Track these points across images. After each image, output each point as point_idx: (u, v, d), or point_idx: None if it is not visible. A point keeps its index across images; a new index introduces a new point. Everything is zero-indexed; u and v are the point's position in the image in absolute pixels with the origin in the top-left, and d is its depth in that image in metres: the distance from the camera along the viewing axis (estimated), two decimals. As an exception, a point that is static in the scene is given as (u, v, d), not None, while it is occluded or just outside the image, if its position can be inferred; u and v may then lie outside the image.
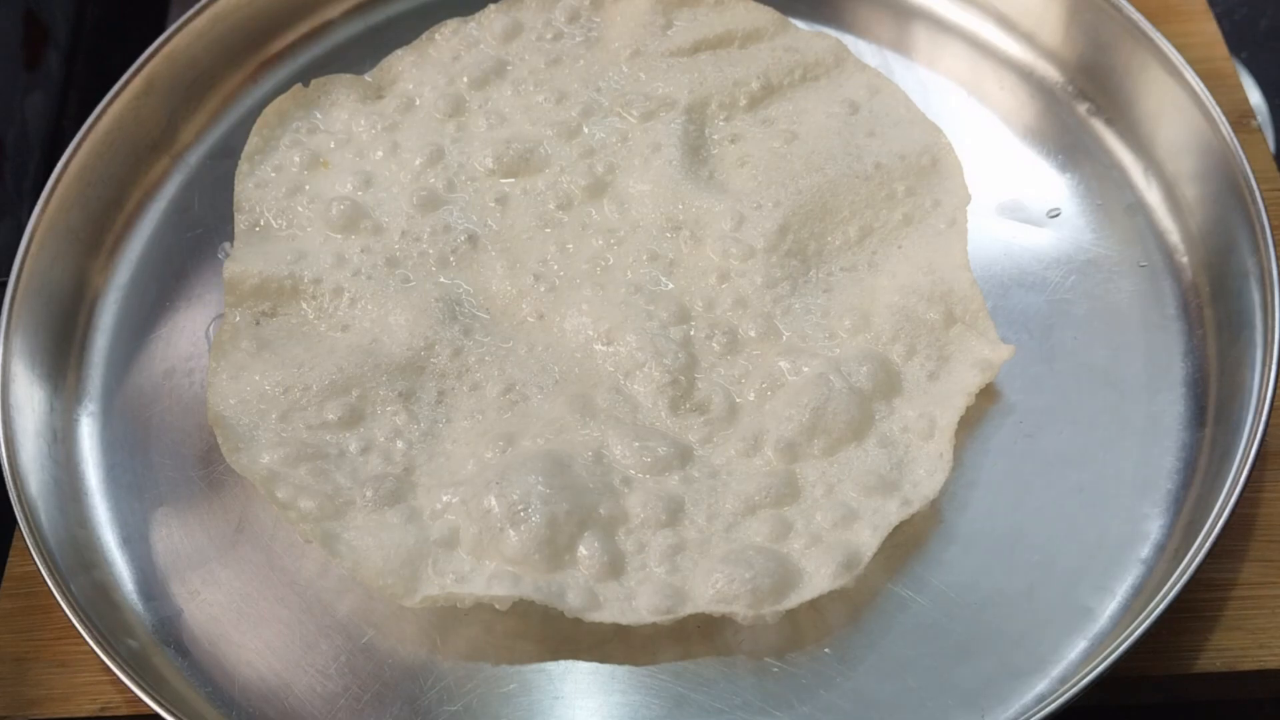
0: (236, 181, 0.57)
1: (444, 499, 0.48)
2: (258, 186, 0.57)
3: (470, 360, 0.52)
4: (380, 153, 0.58)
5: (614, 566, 0.46)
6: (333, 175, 0.57)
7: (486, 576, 0.46)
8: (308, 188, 0.57)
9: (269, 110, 0.59)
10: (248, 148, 0.58)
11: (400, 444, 0.50)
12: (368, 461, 0.49)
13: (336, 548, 0.47)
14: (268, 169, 0.58)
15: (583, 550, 0.47)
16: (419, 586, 0.46)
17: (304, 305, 0.53)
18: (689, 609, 0.46)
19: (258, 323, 0.53)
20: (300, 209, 0.56)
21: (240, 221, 0.56)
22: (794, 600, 0.46)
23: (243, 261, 0.55)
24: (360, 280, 0.54)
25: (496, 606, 0.46)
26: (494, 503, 0.47)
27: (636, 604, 0.46)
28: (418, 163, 0.57)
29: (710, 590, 0.46)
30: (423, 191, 0.56)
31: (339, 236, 0.55)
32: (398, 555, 0.47)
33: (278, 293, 0.54)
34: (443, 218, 0.56)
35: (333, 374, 0.51)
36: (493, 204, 0.56)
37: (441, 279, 0.54)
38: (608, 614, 0.46)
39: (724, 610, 0.46)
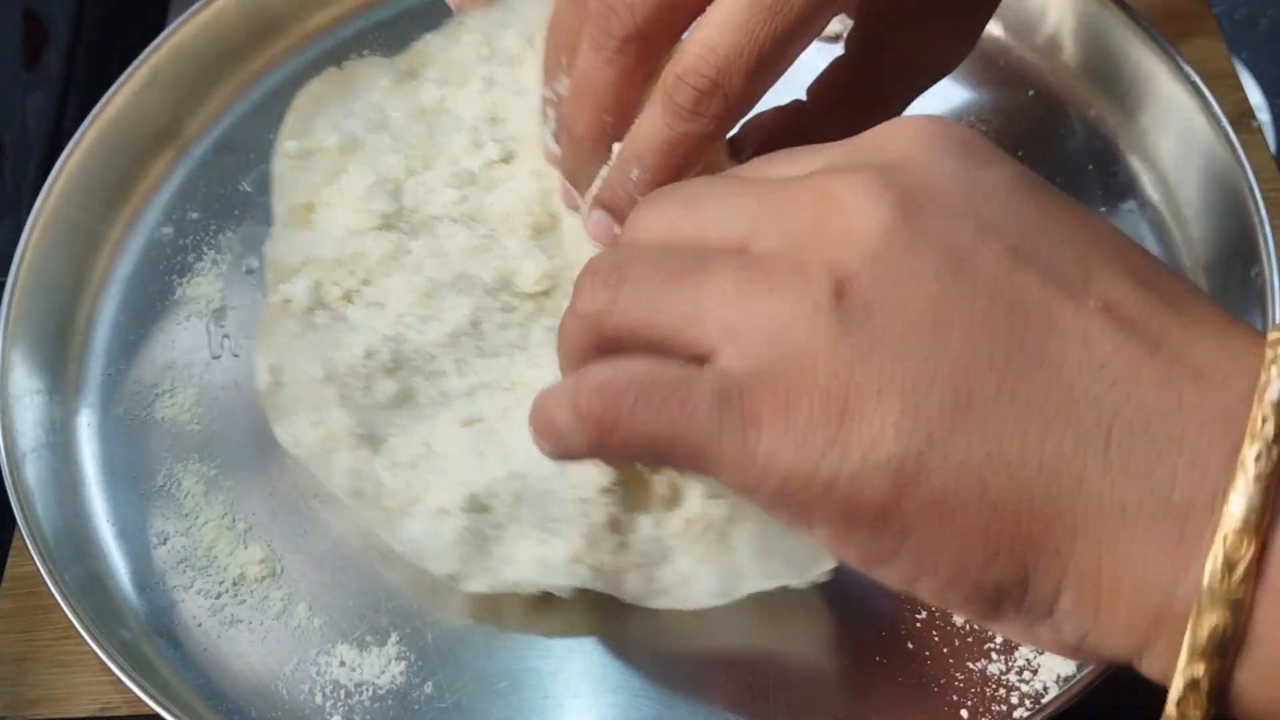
0: (274, 164, 0.57)
1: (502, 481, 0.47)
2: (294, 170, 0.56)
3: (512, 336, 0.51)
4: (415, 135, 0.57)
5: (671, 549, 0.46)
6: (369, 158, 0.56)
7: (544, 564, 0.46)
8: (345, 170, 0.56)
9: (304, 93, 0.59)
10: (285, 130, 0.57)
11: (454, 423, 0.49)
12: (419, 443, 0.49)
13: (396, 533, 0.47)
14: (304, 152, 0.57)
15: (638, 534, 0.46)
16: (476, 572, 0.46)
17: (346, 286, 0.52)
18: (745, 589, 0.45)
19: (301, 303, 0.52)
20: (338, 191, 0.55)
21: (278, 205, 0.55)
22: (830, 562, 0.44)
23: (284, 241, 0.54)
24: (401, 260, 0.53)
25: (557, 594, 0.46)
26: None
27: (694, 589, 0.45)
28: (454, 145, 0.56)
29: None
30: (460, 174, 0.55)
31: (378, 219, 0.54)
32: (456, 541, 0.46)
33: (320, 274, 0.53)
34: (482, 199, 0.55)
35: (380, 354, 0.50)
36: (531, 185, 0.55)
37: (483, 257, 0.53)
38: (667, 600, 0.45)
39: (777, 584, 0.44)
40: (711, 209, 0.36)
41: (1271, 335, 0.31)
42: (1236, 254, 0.52)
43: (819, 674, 0.46)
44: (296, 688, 0.46)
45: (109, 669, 0.45)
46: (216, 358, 0.55)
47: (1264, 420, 0.30)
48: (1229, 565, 0.29)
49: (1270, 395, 0.30)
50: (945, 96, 0.59)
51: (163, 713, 0.44)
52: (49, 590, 0.47)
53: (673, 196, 0.38)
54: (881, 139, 0.36)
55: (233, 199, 0.59)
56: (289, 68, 0.63)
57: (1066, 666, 0.44)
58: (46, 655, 0.49)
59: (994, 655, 0.45)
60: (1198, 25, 0.62)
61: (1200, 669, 0.30)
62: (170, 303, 0.57)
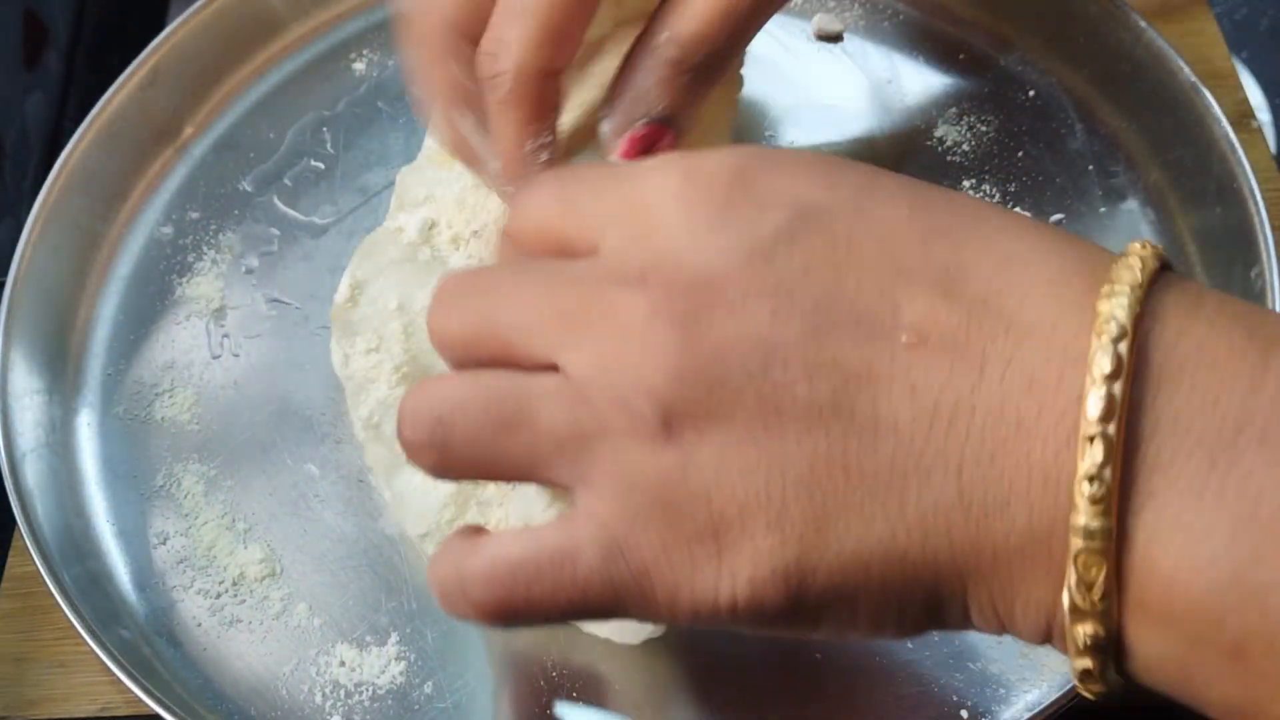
0: None
1: None
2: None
3: None
4: (587, 117, 0.52)
5: None
6: None
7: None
8: None
9: None
10: None
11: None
12: None
13: (391, 479, 0.47)
14: None
15: None
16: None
17: (457, 231, 0.51)
18: None
19: (409, 235, 0.52)
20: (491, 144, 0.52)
21: (430, 139, 0.54)
22: None
23: (417, 173, 0.53)
24: None
25: None
26: None
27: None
28: None
29: None
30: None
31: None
32: (440, 505, 0.46)
33: (437, 212, 0.52)
34: None
35: None
36: None
37: None
38: (608, 630, 0.45)
39: None
40: (508, 316, 0.35)
41: (1098, 322, 0.29)
42: (1237, 254, 0.52)
43: (819, 675, 0.46)
44: (296, 687, 0.46)
45: (109, 669, 0.45)
46: (216, 357, 0.55)
47: (1090, 440, 0.29)
48: (1086, 585, 0.29)
49: (1091, 411, 0.29)
50: (946, 95, 0.59)
51: (163, 713, 0.44)
52: (49, 590, 0.47)
53: (467, 292, 0.36)
54: (645, 218, 0.34)
55: (233, 199, 0.59)
56: (289, 67, 0.63)
57: (1067, 667, 0.44)
58: (46, 655, 0.49)
59: (994, 655, 0.45)
60: (1198, 25, 0.62)
61: (1087, 662, 0.30)
62: (170, 302, 0.56)
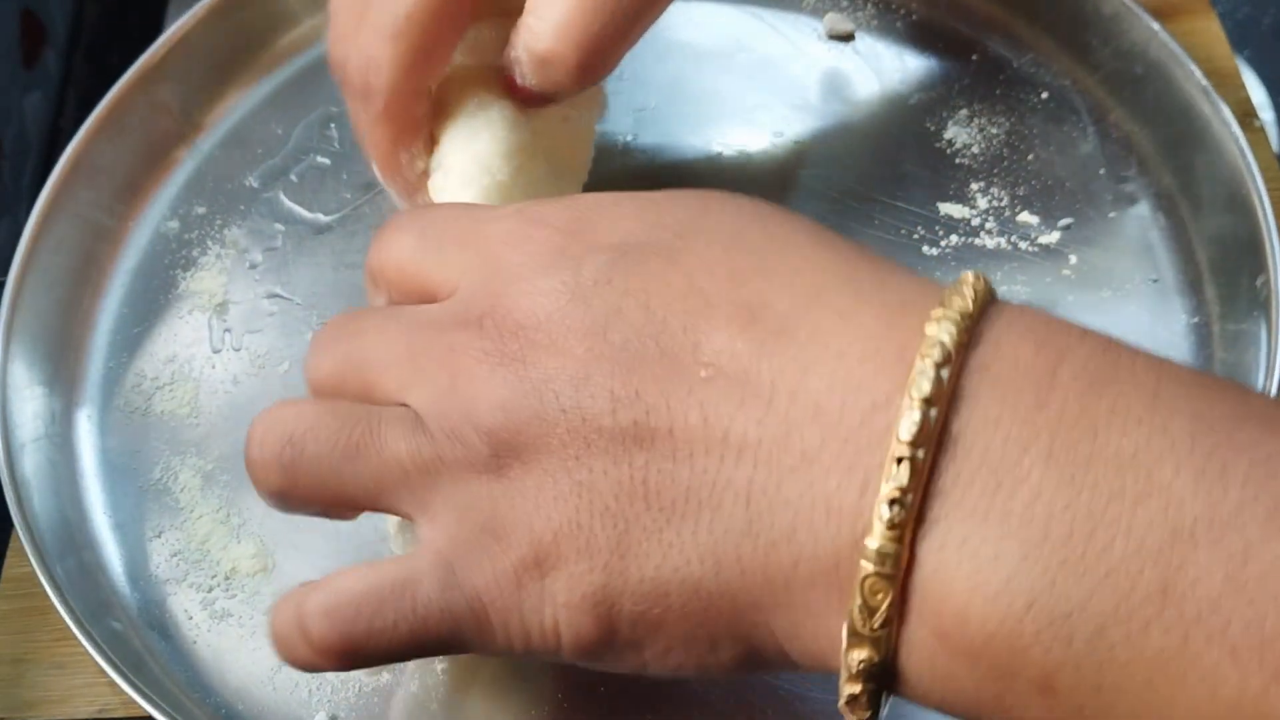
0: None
1: None
2: None
3: None
4: None
5: None
6: None
7: None
8: None
9: None
10: None
11: None
12: None
13: None
14: None
15: None
16: None
17: None
18: None
19: None
20: None
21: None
22: None
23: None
24: None
25: None
26: None
27: None
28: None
29: None
30: None
31: None
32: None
33: None
34: None
35: None
36: None
37: None
38: None
39: None
40: (369, 356, 0.37)
41: (923, 345, 0.29)
42: (1244, 261, 0.51)
43: (817, 674, 0.45)
44: (284, 683, 0.46)
45: (104, 669, 0.45)
46: (217, 352, 0.55)
47: (898, 463, 0.28)
48: (869, 610, 0.29)
49: (903, 433, 0.28)
50: (958, 96, 0.59)
51: (149, 708, 0.44)
52: (40, 580, 0.47)
53: (338, 336, 0.38)
54: (492, 263, 0.36)
55: (239, 194, 0.59)
56: (298, 63, 0.63)
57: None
58: (45, 657, 0.49)
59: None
60: (1200, 24, 0.61)
61: (857, 688, 0.30)
62: (173, 297, 0.57)
